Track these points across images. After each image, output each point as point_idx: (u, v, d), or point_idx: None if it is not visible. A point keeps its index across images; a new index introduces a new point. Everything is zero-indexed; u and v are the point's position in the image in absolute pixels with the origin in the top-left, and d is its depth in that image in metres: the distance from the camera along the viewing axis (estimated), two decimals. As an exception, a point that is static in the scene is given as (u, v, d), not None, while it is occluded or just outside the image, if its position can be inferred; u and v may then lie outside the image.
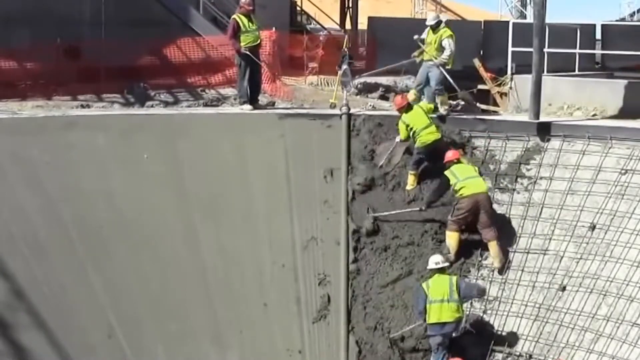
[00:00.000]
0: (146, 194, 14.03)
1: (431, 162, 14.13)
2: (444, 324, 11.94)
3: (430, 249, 13.49)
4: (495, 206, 13.66)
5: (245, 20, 15.78)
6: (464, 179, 13.09)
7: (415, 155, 14.18)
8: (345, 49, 17.79)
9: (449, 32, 15.14)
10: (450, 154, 13.51)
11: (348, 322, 13.53)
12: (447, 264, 12.39)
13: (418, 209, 13.71)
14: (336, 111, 15.77)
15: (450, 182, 13.17)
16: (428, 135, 14.05)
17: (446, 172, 13.29)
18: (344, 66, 16.49)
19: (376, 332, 13.27)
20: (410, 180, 14.19)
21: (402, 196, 14.21)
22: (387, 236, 13.91)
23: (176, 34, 19.16)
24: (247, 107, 15.91)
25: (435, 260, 12.25)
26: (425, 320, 12.07)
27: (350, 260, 13.92)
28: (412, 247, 13.69)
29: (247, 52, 15.69)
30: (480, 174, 13.49)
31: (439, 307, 11.92)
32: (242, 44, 15.73)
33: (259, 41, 16.13)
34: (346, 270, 13.82)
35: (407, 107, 14.28)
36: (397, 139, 14.43)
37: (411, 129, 14.10)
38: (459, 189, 13.04)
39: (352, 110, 15.38)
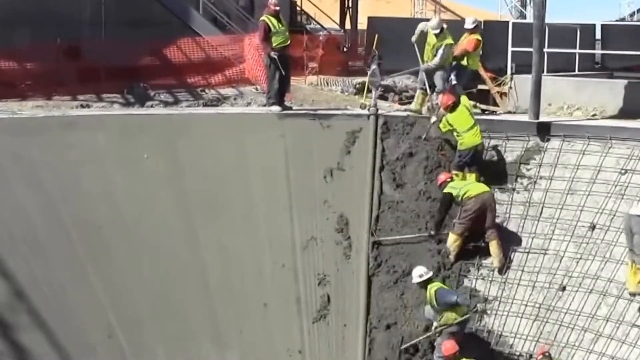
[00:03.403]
0: (146, 194, 14.04)
1: (473, 166, 13.90)
2: (462, 321, 12.05)
3: (428, 249, 13.49)
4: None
5: (274, 21, 15.59)
6: (465, 185, 13.13)
7: (457, 158, 13.94)
8: (375, 50, 17.74)
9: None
10: (442, 176, 13.46)
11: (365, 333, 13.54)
12: (430, 273, 12.35)
13: (427, 234, 13.57)
14: (337, 111, 15.81)
15: (454, 195, 13.06)
16: (472, 138, 13.75)
17: (445, 190, 13.20)
18: (373, 66, 16.42)
19: (377, 331, 13.29)
20: None
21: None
22: (387, 235, 13.92)
23: (176, 34, 19.16)
24: (275, 109, 15.66)
25: (419, 273, 12.26)
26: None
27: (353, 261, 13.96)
28: (412, 246, 13.69)
29: (276, 57, 15.47)
30: (479, 179, 13.39)
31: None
32: (274, 44, 15.54)
33: (289, 42, 15.98)
34: (367, 281, 13.76)
35: (453, 106, 14.00)
36: (433, 120, 14.35)
37: (454, 129, 13.90)
38: (464, 193, 12.96)
39: (379, 111, 15.29)
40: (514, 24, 19.52)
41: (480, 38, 15.64)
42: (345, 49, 24.74)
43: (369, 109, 15.28)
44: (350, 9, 28.53)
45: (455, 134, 13.91)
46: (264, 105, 16.37)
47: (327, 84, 19.97)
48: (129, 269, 13.56)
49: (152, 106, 17.06)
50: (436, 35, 15.13)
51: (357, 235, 14.13)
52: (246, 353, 13.75)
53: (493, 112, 17.01)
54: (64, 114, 15.35)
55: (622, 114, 15.43)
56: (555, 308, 12.49)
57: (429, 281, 12.18)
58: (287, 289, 14.03)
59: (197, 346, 13.61)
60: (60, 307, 13.03)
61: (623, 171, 13.13)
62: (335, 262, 14.08)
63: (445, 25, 15.27)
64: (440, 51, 15.02)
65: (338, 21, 29.52)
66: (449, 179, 13.38)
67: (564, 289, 12.57)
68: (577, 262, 12.67)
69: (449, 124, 13.88)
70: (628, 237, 11.89)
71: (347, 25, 28.39)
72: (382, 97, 18.89)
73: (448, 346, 11.57)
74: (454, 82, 15.20)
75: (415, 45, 15.43)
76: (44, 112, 15.43)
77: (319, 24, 29.91)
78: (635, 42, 21.69)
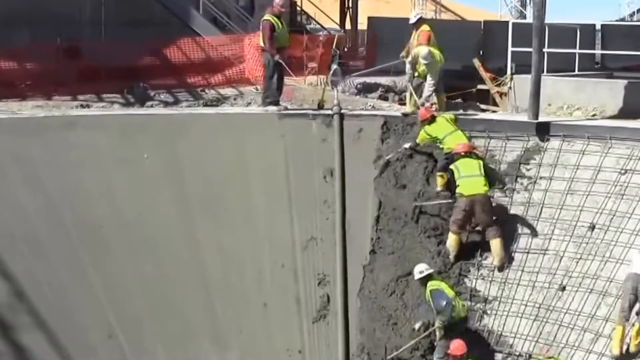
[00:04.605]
0: (146, 194, 14.05)
1: None
2: (463, 319, 12.13)
3: (429, 250, 13.48)
4: (495, 206, 13.63)
5: (278, 21, 15.65)
6: (465, 176, 13.00)
7: (442, 161, 13.90)
8: (336, 49, 17.82)
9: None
10: (460, 147, 13.37)
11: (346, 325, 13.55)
12: (431, 270, 12.35)
13: (452, 200, 13.52)
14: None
15: (454, 176, 13.12)
16: (454, 139, 13.68)
17: (452, 166, 13.22)
18: (334, 66, 16.50)
19: (377, 331, 13.30)
20: (439, 182, 13.99)
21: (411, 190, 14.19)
22: (388, 235, 13.92)
23: (176, 34, 19.16)
24: (272, 109, 15.67)
25: (420, 270, 12.28)
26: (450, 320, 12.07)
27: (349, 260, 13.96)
28: (412, 246, 13.69)
29: (279, 59, 15.55)
30: (486, 170, 13.23)
31: (458, 303, 12.09)
32: (276, 45, 15.59)
33: (288, 43, 16.02)
34: (343, 271, 13.88)
35: (431, 120, 14.00)
36: (406, 145, 14.32)
37: (436, 137, 13.87)
38: (458, 185, 13.01)
39: (343, 110, 15.32)
40: (513, 24, 19.52)
41: (428, 28, 15.71)
42: (345, 49, 24.75)
43: (332, 109, 15.29)
44: (350, 9, 28.53)
45: (437, 142, 13.90)
46: (266, 104, 16.37)
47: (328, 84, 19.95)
48: (129, 269, 13.57)
49: (152, 106, 17.06)
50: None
51: (357, 235, 14.16)
52: (246, 353, 13.76)
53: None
54: (64, 114, 15.35)
55: (622, 114, 15.42)
56: (555, 308, 12.49)
57: (429, 278, 12.20)
58: (287, 289, 14.04)
59: (197, 346, 13.61)
60: (60, 307, 13.03)
61: (623, 171, 13.13)
62: (335, 262, 14.08)
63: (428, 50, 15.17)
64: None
65: (338, 21, 29.53)
66: (463, 152, 13.20)
67: (563, 289, 12.57)
68: (577, 262, 12.66)
69: (427, 134, 13.91)
70: (628, 298, 11.26)
71: (347, 25, 28.40)
72: (382, 98, 18.91)
73: (457, 345, 11.50)
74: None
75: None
76: (44, 112, 15.42)
77: (319, 24, 29.93)
78: (635, 42, 21.68)
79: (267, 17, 15.74)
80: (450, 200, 13.57)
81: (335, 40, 18.41)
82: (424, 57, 14.87)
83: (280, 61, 15.59)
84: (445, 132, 13.82)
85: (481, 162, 13.34)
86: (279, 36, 15.67)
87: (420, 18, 16.03)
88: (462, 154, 13.26)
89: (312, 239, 14.24)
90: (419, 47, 15.03)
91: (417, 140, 14.17)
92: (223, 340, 13.79)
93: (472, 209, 12.97)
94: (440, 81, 15.29)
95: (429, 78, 15.00)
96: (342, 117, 15.05)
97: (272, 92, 15.81)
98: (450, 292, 12.13)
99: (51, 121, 14.65)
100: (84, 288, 13.26)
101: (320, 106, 15.81)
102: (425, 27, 15.66)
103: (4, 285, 12.77)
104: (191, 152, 14.49)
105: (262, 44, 15.92)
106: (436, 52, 15.15)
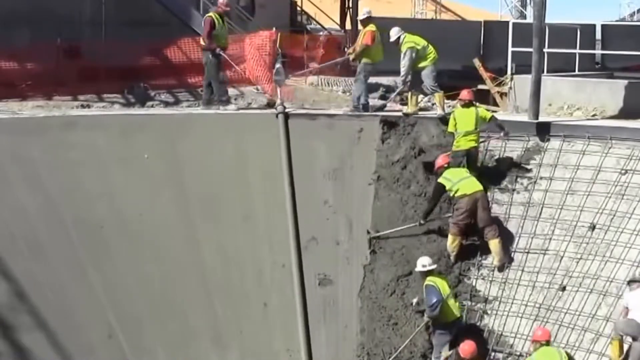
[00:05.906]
0: (146, 194, 14.04)
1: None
2: (456, 320, 12.08)
3: (429, 250, 13.47)
4: (495, 206, 13.65)
5: (220, 19, 15.84)
6: (458, 180, 13.04)
7: (451, 160, 13.84)
8: (279, 49, 17.95)
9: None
10: (440, 160, 13.42)
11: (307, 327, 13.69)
12: (434, 266, 12.33)
13: (417, 223, 13.60)
14: (338, 111, 15.84)
15: (446, 188, 13.07)
16: (466, 142, 13.74)
17: (439, 180, 13.20)
18: (277, 65, 16.61)
19: (377, 331, 13.29)
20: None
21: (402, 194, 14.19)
22: (387, 237, 13.93)
23: (176, 34, 19.16)
24: (232, 107, 15.93)
25: (423, 263, 12.28)
26: (435, 317, 12.04)
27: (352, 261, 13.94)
28: (413, 246, 13.68)
29: (219, 51, 15.74)
30: (475, 175, 13.32)
31: (452, 303, 12.07)
32: (216, 43, 15.81)
33: (227, 45, 16.30)
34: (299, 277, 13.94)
35: (466, 104, 13.98)
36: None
37: (455, 126, 13.86)
38: (456, 190, 12.98)
39: (288, 109, 15.45)
40: (514, 24, 19.52)
41: (374, 28, 15.85)
42: (345, 49, 24.73)
43: (276, 108, 15.31)
44: (351, 9, 28.49)
45: (454, 131, 13.91)
46: (223, 104, 16.27)
47: (328, 84, 19.97)
48: (129, 269, 13.55)
49: (152, 106, 17.07)
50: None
51: (357, 235, 14.16)
52: (246, 353, 13.74)
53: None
54: (64, 114, 15.36)
55: (622, 114, 15.43)
56: (555, 308, 12.49)
57: (430, 273, 12.18)
58: (287, 289, 14.02)
59: (197, 346, 13.60)
60: (60, 307, 13.02)
61: (623, 171, 13.15)
62: (336, 262, 14.08)
63: (402, 33, 15.30)
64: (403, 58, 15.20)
65: (338, 21, 29.50)
66: (446, 164, 13.32)
67: (564, 289, 12.57)
68: (577, 262, 12.67)
69: (454, 119, 13.93)
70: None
71: (348, 25, 28.36)
72: (383, 98, 18.90)
73: (466, 347, 11.52)
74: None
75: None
76: (44, 112, 15.43)
77: (319, 24, 29.91)
78: (635, 42, 21.69)
79: (210, 13, 16.07)
80: (410, 225, 13.65)
81: (279, 39, 18.48)
82: (393, 33, 15.23)
83: (222, 54, 15.78)
84: (465, 129, 13.79)
85: (464, 168, 13.45)
86: (219, 34, 15.84)
87: (369, 17, 16.12)
88: (445, 166, 13.31)
89: (312, 239, 14.23)
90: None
91: (449, 125, 14.11)
92: (223, 340, 13.77)
93: (473, 207, 12.96)
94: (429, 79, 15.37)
95: (401, 65, 15.17)
96: (287, 116, 15.11)
97: (223, 91, 16.07)
98: (445, 291, 12.06)
99: (51, 121, 14.65)
100: (84, 288, 13.25)
101: (270, 105, 16.00)
102: (371, 27, 15.79)
103: (4, 285, 12.76)
104: (191, 152, 14.49)
105: (202, 42, 16.16)
106: (421, 40, 15.26)
